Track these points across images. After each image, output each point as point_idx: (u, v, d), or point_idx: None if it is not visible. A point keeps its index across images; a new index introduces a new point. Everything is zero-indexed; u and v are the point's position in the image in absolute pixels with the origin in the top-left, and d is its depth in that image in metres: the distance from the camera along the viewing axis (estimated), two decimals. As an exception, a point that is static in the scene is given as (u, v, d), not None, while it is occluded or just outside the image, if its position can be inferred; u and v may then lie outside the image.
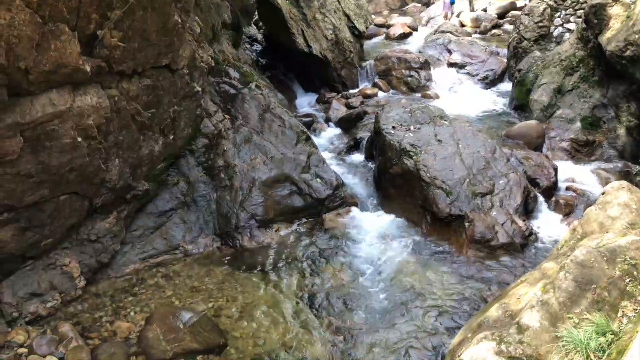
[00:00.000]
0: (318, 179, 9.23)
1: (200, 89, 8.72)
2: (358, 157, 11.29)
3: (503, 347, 3.87)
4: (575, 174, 10.28)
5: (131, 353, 6.37)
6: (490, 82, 16.08)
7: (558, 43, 14.39)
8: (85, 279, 7.29)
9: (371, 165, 10.64)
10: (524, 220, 8.47)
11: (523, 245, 8.09)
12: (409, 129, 9.92)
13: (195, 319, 6.65)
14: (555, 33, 14.86)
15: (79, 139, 6.35)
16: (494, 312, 4.70)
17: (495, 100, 14.70)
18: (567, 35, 14.35)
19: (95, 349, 6.34)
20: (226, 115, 9.69)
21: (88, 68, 6.10)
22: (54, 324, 6.62)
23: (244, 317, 6.88)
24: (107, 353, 6.24)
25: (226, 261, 8.07)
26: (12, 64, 5.24)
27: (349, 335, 6.59)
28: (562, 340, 3.93)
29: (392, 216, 9.15)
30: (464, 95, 15.14)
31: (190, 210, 8.49)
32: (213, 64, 9.73)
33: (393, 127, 9.96)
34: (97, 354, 6.23)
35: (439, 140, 9.61)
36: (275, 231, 8.75)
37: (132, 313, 7.01)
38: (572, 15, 14.60)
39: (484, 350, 3.64)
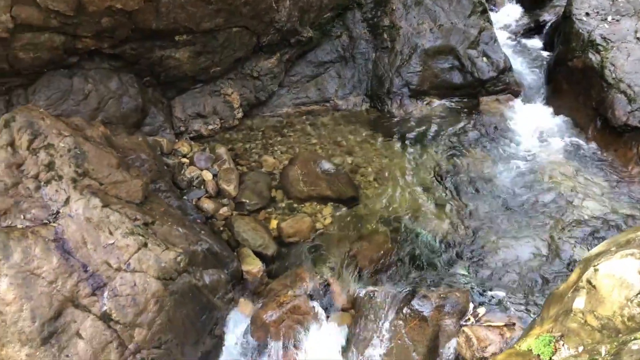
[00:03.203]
0: (484, 58, 8.57)
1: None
2: (535, 42, 10.15)
3: (648, 270, 3.55)
4: None
5: (272, 186, 6.98)
6: None
7: None
8: (242, 111, 7.88)
9: (548, 54, 9.54)
10: None
11: None
12: (606, 19, 8.55)
13: (333, 170, 6.99)
14: None
15: (257, -26, 6.46)
16: (648, 235, 4.26)
17: None
18: None
19: (243, 175, 7.03)
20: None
21: None
22: (212, 145, 7.39)
23: (377, 179, 7.07)
24: (252, 180, 6.91)
25: (371, 123, 8.14)
26: None
27: (476, 222, 6.50)
28: None
29: (556, 114, 8.35)
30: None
31: (348, 66, 8.49)
32: None
33: (587, 14, 8.65)
34: (244, 179, 6.93)
35: (637, 39, 8.22)
36: (426, 104, 8.50)
37: (278, 151, 7.55)
38: None
39: (626, 266, 3.37)
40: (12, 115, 5.05)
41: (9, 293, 4.41)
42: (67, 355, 4.44)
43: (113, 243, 4.78)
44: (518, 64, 9.31)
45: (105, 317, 4.60)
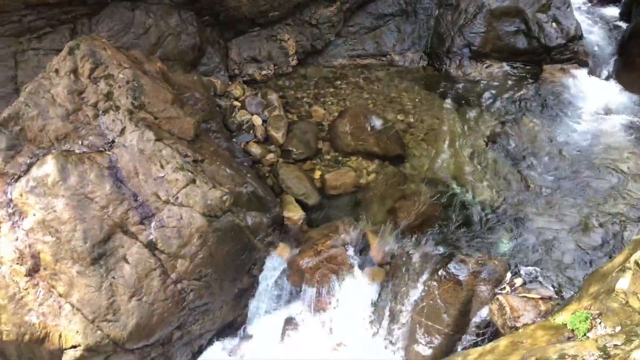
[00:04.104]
0: (554, 23, 8.12)
1: None
2: (611, 11, 9.55)
3: None
4: None
5: (320, 137, 6.99)
6: None
7: None
8: (297, 59, 7.83)
9: (624, 25, 8.97)
10: None
11: None
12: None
13: (383, 127, 6.92)
14: None
15: None
16: None
17: None
18: None
19: (292, 123, 7.06)
20: None
21: None
22: (264, 91, 7.41)
23: (427, 140, 6.96)
24: (300, 129, 6.93)
25: (427, 82, 7.95)
26: None
27: (524, 193, 6.35)
28: None
29: (624, 90, 7.91)
30: None
31: (409, 20, 8.24)
32: None
33: (673, -16, 8.03)
34: (292, 128, 6.96)
35: None
36: (486, 67, 8.21)
37: (329, 103, 7.51)
38: None
39: (679, 252, 3.25)
40: (77, 43, 5.18)
41: (64, 213, 4.66)
42: (114, 277, 4.71)
43: (163, 176, 4.94)
44: (590, 34, 8.81)
45: (151, 246, 4.81)
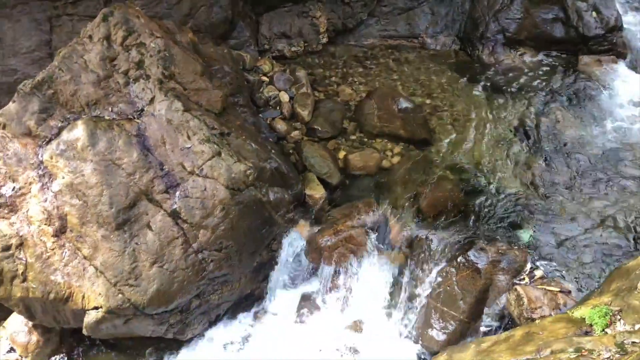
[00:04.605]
0: (594, 13, 7.87)
1: None
2: (655, 2, 9.21)
3: None
4: None
5: (346, 116, 6.96)
6: None
7: None
8: (327, 37, 7.76)
9: (668, 17, 8.66)
10: None
11: None
12: None
13: (410, 109, 6.85)
14: None
15: None
16: None
17: None
18: None
19: (319, 102, 7.04)
20: None
21: None
22: (293, 67, 7.37)
23: (454, 125, 6.88)
24: (327, 108, 6.91)
25: (458, 67, 7.81)
26: None
27: (550, 186, 6.25)
28: None
29: (663, 85, 7.67)
30: None
31: (443, 3, 8.07)
32: None
33: None
34: (319, 106, 6.95)
35: None
36: (519, 54, 8.02)
37: (357, 83, 7.45)
38: None
39: None
40: (111, 10, 5.22)
41: (92, 177, 4.76)
42: (137, 243, 4.81)
43: (189, 147, 4.99)
44: (631, 25, 8.51)
45: (175, 215, 4.90)
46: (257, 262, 5.48)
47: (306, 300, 5.80)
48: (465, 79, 7.57)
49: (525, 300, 4.81)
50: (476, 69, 7.80)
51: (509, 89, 7.45)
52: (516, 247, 5.44)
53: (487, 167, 6.42)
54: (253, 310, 5.78)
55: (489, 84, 7.52)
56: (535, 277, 5.06)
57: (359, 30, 7.96)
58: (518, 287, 4.96)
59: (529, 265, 5.20)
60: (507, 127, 6.93)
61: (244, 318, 5.79)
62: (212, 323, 5.56)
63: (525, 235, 5.70)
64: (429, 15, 8.06)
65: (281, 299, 5.84)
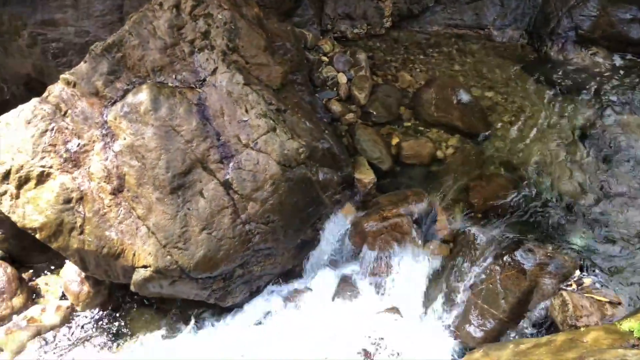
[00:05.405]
0: (677, 16, 7.44)
1: None
2: None
3: None
4: None
5: (402, 103, 6.89)
6: None
7: None
8: (391, 21, 7.67)
9: None
10: None
11: None
12: None
13: (469, 102, 6.70)
14: None
15: None
16: None
17: None
18: None
19: (376, 86, 6.99)
20: None
21: None
22: (353, 49, 7.34)
23: (514, 121, 6.69)
24: (384, 93, 6.86)
25: (523, 62, 7.57)
26: None
27: (608, 193, 6.00)
28: None
29: None
30: None
31: (515, -5, 7.82)
32: None
33: None
34: (376, 90, 6.90)
35: None
36: (591, 54, 7.67)
37: (417, 70, 7.35)
38: None
39: None
40: (179, -21, 5.32)
41: (151, 141, 4.93)
42: (189, 209, 4.96)
43: (247, 120, 5.08)
44: None
45: (227, 185, 5.01)
46: (300, 239, 5.55)
47: (345, 282, 5.84)
48: (529, 75, 7.32)
49: (570, 306, 4.68)
50: (543, 65, 7.53)
51: (575, 89, 7.15)
52: (566, 252, 5.28)
53: (543, 168, 6.23)
54: (293, 285, 5.87)
55: (554, 82, 7.25)
56: (584, 285, 4.90)
57: (424, 17, 7.83)
58: (564, 293, 4.82)
59: (577, 272, 5.04)
60: (570, 129, 6.68)
61: (283, 292, 5.90)
62: (253, 293, 5.69)
63: (577, 241, 5.52)
64: (498, 6, 7.82)
65: (321, 278, 5.90)
